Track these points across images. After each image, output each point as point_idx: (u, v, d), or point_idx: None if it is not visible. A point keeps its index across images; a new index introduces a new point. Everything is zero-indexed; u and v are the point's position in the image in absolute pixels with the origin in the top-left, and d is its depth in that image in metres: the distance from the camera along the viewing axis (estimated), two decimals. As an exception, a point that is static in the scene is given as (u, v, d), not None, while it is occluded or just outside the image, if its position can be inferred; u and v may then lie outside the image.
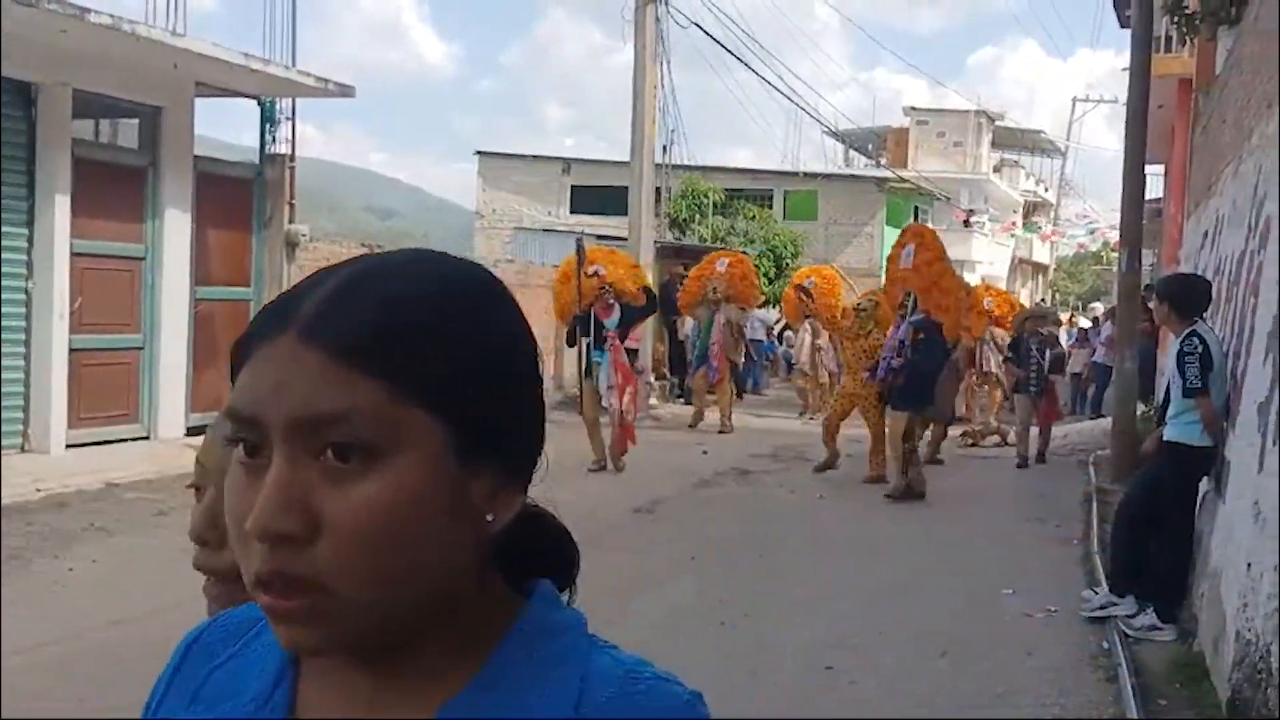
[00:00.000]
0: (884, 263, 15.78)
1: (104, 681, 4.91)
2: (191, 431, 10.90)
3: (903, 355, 10.00)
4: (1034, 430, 12.53)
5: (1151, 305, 6.49)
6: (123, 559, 7.14)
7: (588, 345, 10.89)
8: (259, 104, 11.66)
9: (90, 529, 7.77)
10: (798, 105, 25.30)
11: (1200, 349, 5.64)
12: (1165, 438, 5.95)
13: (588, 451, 10.65)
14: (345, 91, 11.24)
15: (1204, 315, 6.03)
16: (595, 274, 10.79)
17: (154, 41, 9.43)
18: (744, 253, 25.38)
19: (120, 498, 8.72)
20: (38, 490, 8.44)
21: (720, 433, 14.35)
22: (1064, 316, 26.14)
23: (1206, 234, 9.37)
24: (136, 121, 10.70)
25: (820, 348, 16.53)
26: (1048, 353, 12.42)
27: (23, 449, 9.57)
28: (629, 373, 10.94)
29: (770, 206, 31.27)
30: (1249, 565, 4.36)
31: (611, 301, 10.84)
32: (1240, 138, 7.41)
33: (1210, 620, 5.18)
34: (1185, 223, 13.30)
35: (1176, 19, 10.50)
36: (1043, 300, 38.38)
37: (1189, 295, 6.00)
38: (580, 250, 10.92)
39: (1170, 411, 5.92)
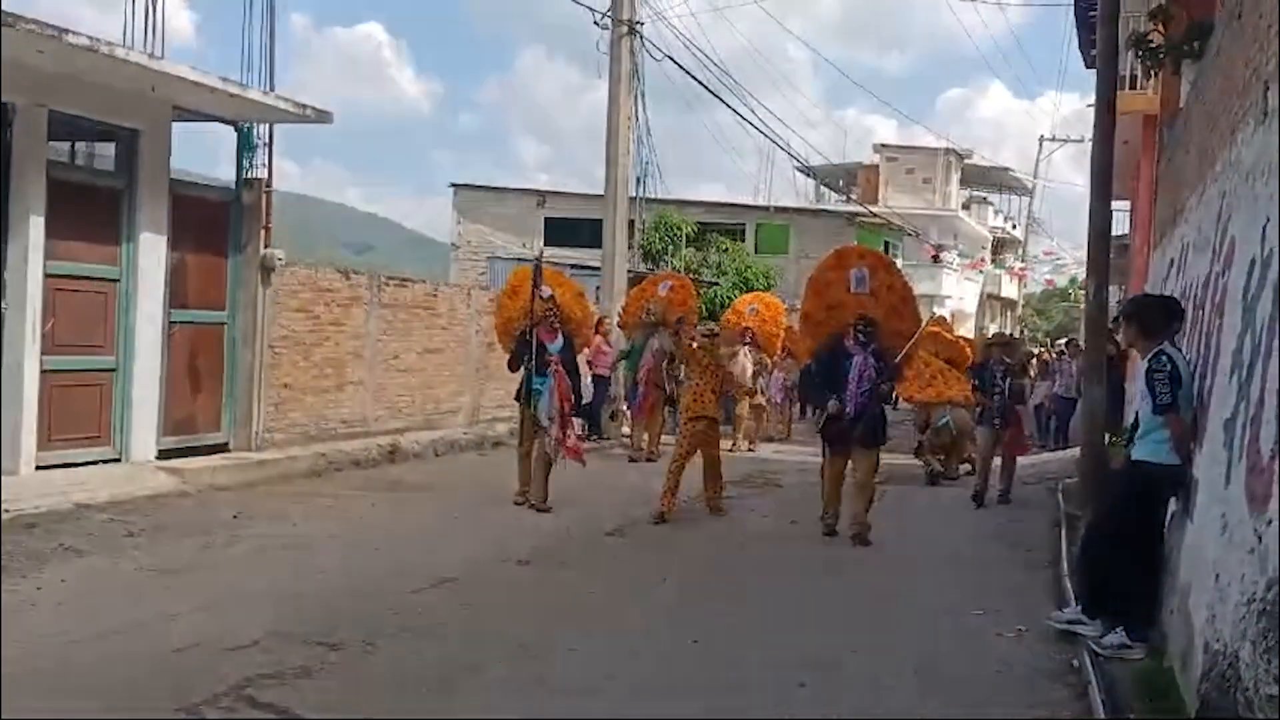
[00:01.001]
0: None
1: (68, 696, 4.90)
2: (163, 455, 10.84)
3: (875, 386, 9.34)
4: (997, 462, 12.00)
5: (1120, 329, 6.56)
6: (92, 579, 7.09)
7: (528, 370, 10.32)
8: (236, 129, 11.68)
9: (59, 549, 7.71)
10: (770, 139, 25.66)
11: (1169, 367, 5.72)
12: (1133, 457, 6.01)
13: (559, 475, 10.52)
14: (323, 117, 11.28)
15: (1174, 337, 6.12)
16: (550, 297, 10.36)
17: (131, 63, 9.45)
18: (715, 283, 25.57)
19: (90, 519, 8.65)
20: (6, 511, 8.35)
21: (647, 460, 14.16)
22: (1037, 351, 26.34)
23: (1172, 262, 9.53)
24: (113, 144, 10.70)
25: (760, 374, 16.51)
26: (1010, 382, 11.82)
27: (-9, 469, 9.49)
28: (571, 403, 10.46)
29: (742, 239, 31.52)
30: (1217, 576, 4.43)
31: (557, 325, 10.39)
32: (1205, 166, 7.57)
33: (1179, 635, 5.25)
34: (1151, 255, 13.51)
35: (1141, 52, 10.72)
36: (1012, 335, 38.65)
37: (1155, 315, 6.09)
38: (538, 268, 10.48)
39: (1139, 431, 5.99)
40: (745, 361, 16.20)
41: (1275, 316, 4.20)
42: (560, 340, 10.39)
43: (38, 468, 9.69)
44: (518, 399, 10.53)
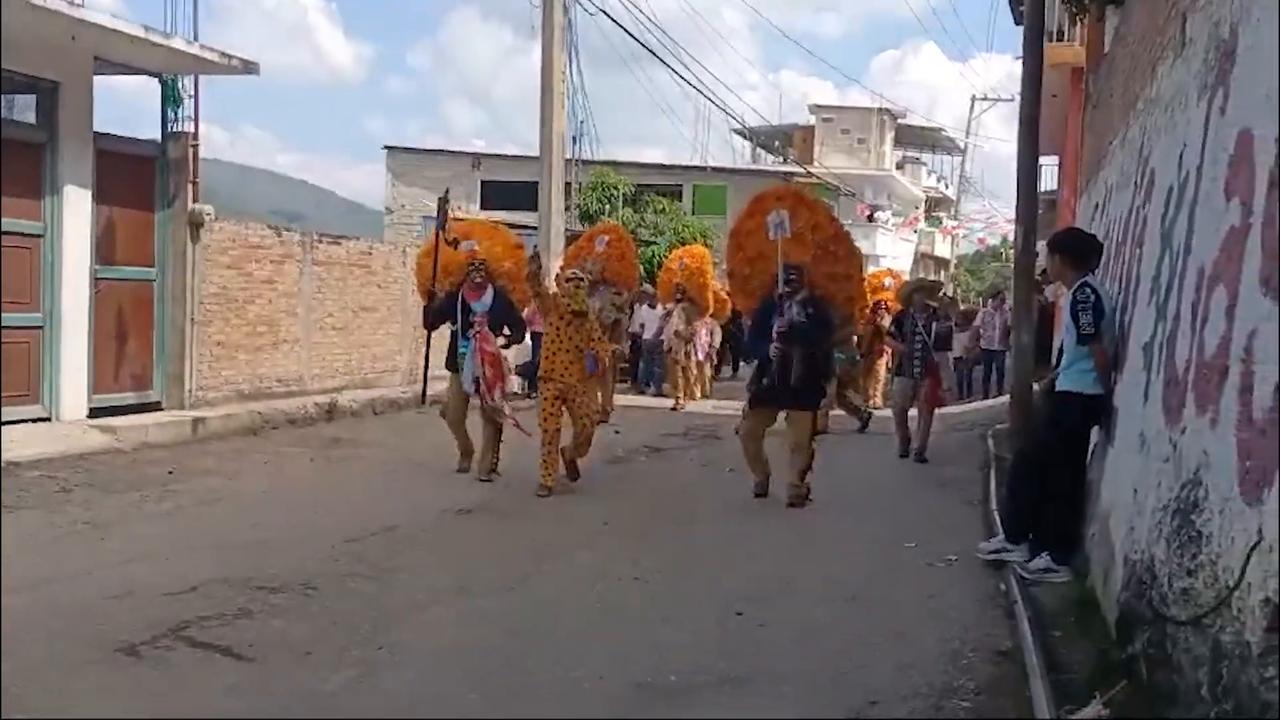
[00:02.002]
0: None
1: (5, 640, 4.85)
2: (95, 413, 10.67)
3: (792, 340, 8.30)
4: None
5: (1045, 262, 6.69)
6: (25, 533, 6.99)
7: (454, 333, 9.45)
8: (161, 81, 11.46)
9: (-10, 505, 7.58)
10: (707, 98, 25.67)
11: (1093, 298, 5.87)
12: (1058, 387, 6.18)
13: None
14: (249, 68, 11.08)
15: (1094, 271, 6.27)
16: (470, 248, 9.39)
17: (50, 11, 9.20)
18: (653, 242, 25.60)
19: (21, 476, 8.53)
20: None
21: (600, 422, 12.99)
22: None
23: (1098, 205, 9.72)
24: (33, 97, 10.44)
25: (691, 333, 16.21)
26: (934, 327, 11.03)
27: (-83, 429, 9.28)
28: (499, 364, 9.42)
29: (680, 200, 31.54)
30: (1135, 491, 4.58)
31: (480, 280, 9.34)
32: (1127, 107, 7.72)
33: (1100, 557, 5.41)
34: (1078, 204, 13.76)
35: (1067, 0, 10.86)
36: (945, 294, 39.09)
37: (1081, 247, 6.23)
38: (442, 207, 9.47)
39: (1064, 362, 6.15)
40: (678, 321, 15.96)
41: (1191, 235, 4.33)
42: (489, 297, 9.39)
43: (-36, 427, 9.51)
44: (448, 366, 9.57)
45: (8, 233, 10.00)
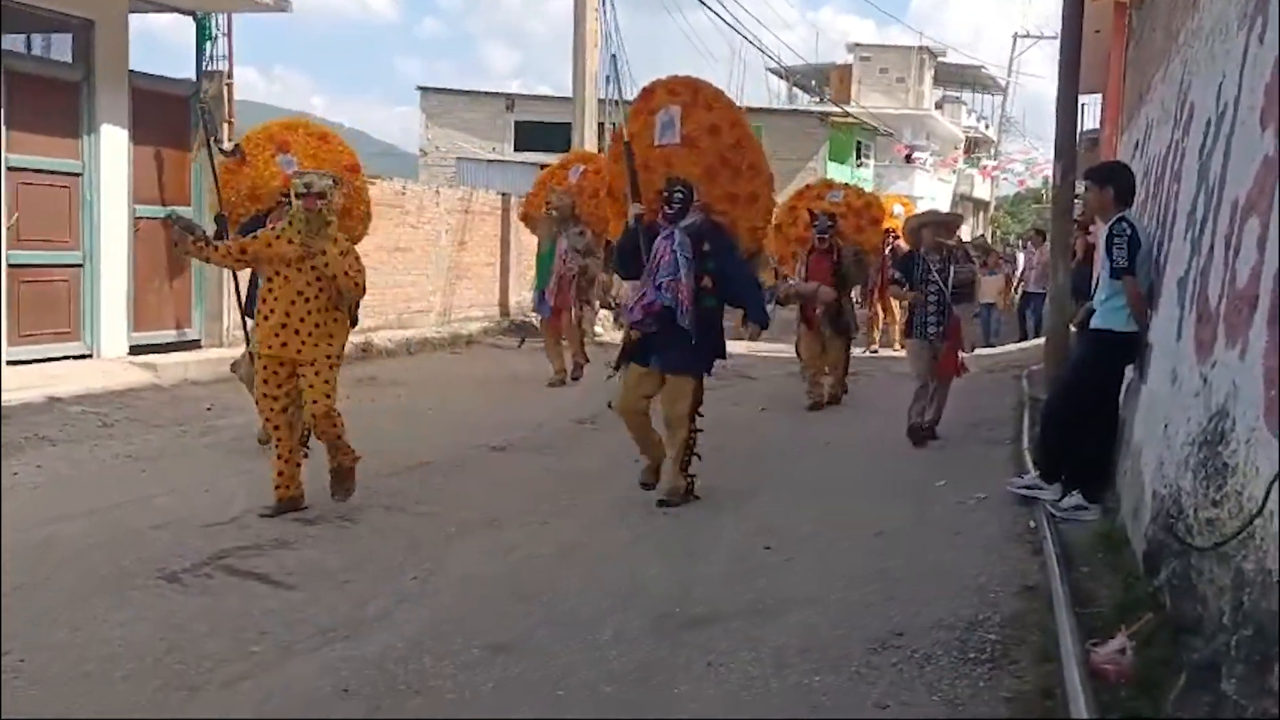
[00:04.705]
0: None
1: (50, 567, 5.00)
2: (135, 350, 10.82)
3: (675, 283, 6.33)
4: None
5: (1083, 193, 6.54)
6: (68, 465, 7.17)
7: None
8: (195, 19, 11.47)
9: (34, 439, 7.76)
10: (743, 36, 25.35)
11: (1130, 232, 5.79)
12: (1092, 325, 6.12)
13: (520, 368, 10.45)
14: (281, 5, 11.09)
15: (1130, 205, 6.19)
16: (289, 167, 7.79)
17: (84, -52, 9.24)
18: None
19: (64, 411, 8.68)
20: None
21: (574, 378, 11.53)
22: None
23: (1138, 143, 9.56)
24: (70, 36, 10.49)
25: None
26: (951, 273, 8.59)
27: (-39, 364, 9.46)
28: None
29: (714, 140, 31.28)
30: (1165, 426, 4.56)
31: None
32: (1169, 41, 7.58)
33: (1131, 493, 5.40)
34: (1119, 141, 13.53)
35: (1110, -69, 10.60)
36: (983, 236, 38.71)
37: (1120, 181, 6.12)
38: (202, 115, 8.21)
39: (1098, 298, 6.09)
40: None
41: (1227, 167, 4.27)
42: None
43: (9, 363, 9.66)
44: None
45: (48, 171, 10.10)
